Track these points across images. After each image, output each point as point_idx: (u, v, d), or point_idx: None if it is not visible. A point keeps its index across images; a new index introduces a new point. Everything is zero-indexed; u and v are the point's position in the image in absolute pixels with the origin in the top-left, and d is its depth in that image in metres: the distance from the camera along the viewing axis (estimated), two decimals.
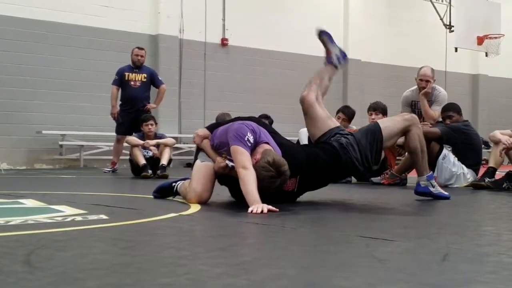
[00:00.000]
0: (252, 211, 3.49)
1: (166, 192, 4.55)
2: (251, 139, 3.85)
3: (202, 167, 4.17)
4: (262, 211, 3.47)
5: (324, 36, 4.72)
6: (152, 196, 4.59)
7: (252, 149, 3.87)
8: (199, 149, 4.29)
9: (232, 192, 4.30)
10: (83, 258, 2.13)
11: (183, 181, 4.46)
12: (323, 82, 4.65)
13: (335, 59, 4.69)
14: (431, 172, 4.63)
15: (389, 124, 4.42)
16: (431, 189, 4.49)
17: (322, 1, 15.03)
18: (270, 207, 3.54)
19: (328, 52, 4.72)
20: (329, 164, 4.20)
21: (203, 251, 2.30)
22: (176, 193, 4.46)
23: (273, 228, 3.01)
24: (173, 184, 4.50)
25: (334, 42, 4.73)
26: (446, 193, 4.57)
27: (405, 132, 4.39)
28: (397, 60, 15.78)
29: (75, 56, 11.49)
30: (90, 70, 11.55)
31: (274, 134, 4.17)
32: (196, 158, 4.30)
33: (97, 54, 11.68)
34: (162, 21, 12.55)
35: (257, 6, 13.79)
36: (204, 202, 4.08)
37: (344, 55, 4.75)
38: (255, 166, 3.75)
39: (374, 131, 4.32)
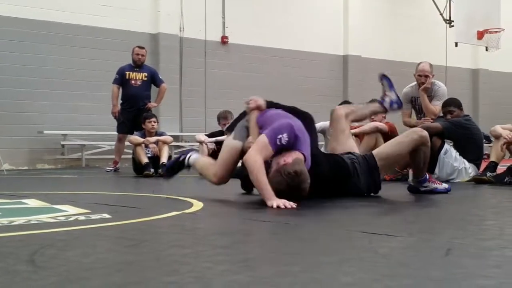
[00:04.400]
0: (274, 206, 3.49)
1: (177, 168, 4.56)
2: (284, 141, 3.81)
3: (230, 149, 4.25)
4: (285, 207, 3.48)
5: (384, 81, 4.92)
6: (152, 194, 4.59)
7: (280, 150, 3.84)
8: (241, 117, 4.29)
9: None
10: (87, 257, 2.14)
11: (195, 154, 4.49)
12: (362, 111, 4.88)
13: (387, 102, 4.87)
14: (425, 176, 4.62)
15: (391, 150, 4.46)
16: (421, 188, 4.60)
17: None
18: (291, 203, 3.54)
19: (384, 94, 4.91)
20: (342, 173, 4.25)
21: (206, 248, 2.31)
22: (189, 166, 4.48)
23: (276, 225, 3.02)
24: (181, 157, 4.51)
25: (393, 88, 4.92)
26: (441, 187, 4.65)
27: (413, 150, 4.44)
28: (397, 56, 15.76)
29: (75, 56, 11.49)
30: (91, 70, 11.56)
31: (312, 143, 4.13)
32: (233, 126, 4.30)
33: (97, 53, 11.68)
34: (162, 19, 12.55)
35: (256, 3, 13.78)
36: (222, 184, 4.25)
37: (399, 103, 4.93)
38: (280, 167, 3.72)
39: (371, 166, 4.37)
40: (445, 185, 4.70)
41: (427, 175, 4.64)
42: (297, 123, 4.01)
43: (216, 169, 4.22)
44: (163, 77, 9.60)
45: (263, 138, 3.83)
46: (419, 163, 4.48)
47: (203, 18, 13.03)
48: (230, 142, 4.28)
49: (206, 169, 4.34)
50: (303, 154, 3.87)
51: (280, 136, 3.81)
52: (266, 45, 13.88)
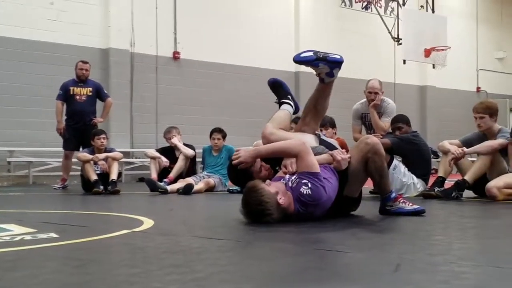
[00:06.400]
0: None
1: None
2: (306, 192, 3.68)
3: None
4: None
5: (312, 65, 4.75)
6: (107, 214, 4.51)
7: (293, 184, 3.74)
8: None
9: None
10: (33, 278, 2.08)
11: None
12: (318, 107, 4.99)
13: (327, 79, 4.67)
14: (390, 193, 4.19)
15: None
16: (388, 208, 4.17)
17: (273, 15, 15.14)
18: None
19: (317, 74, 4.69)
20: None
21: (156, 268, 2.27)
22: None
23: (227, 243, 3.00)
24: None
25: (318, 60, 4.65)
26: (408, 207, 4.18)
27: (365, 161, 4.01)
28: (348, 72, 15.78)
29: (23, 71, 11.26)
30: (39, 85, 11.33)
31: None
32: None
33: (46, 68, 11.47)
34: (113, 34, 12.41)
35: (208, 19, 13.80)
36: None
37: (332, 66, 4.58)
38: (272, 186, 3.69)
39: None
40: (415, 206, 4.22)
41: (393, 194, 4.21)
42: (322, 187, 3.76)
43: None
44: (113, 93, 9.49)
45: (311, 156, 3.78)
46: (373, 175, 4.03)
47: (154, 33, 12.97)
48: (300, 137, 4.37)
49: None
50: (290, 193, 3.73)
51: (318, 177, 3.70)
52: (218, 61, 13.90)
